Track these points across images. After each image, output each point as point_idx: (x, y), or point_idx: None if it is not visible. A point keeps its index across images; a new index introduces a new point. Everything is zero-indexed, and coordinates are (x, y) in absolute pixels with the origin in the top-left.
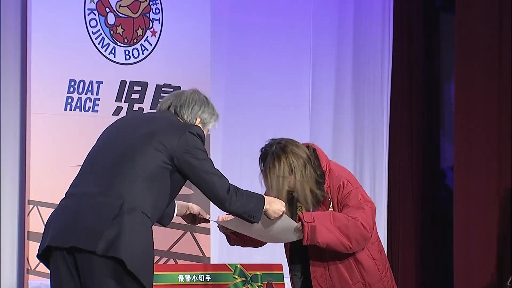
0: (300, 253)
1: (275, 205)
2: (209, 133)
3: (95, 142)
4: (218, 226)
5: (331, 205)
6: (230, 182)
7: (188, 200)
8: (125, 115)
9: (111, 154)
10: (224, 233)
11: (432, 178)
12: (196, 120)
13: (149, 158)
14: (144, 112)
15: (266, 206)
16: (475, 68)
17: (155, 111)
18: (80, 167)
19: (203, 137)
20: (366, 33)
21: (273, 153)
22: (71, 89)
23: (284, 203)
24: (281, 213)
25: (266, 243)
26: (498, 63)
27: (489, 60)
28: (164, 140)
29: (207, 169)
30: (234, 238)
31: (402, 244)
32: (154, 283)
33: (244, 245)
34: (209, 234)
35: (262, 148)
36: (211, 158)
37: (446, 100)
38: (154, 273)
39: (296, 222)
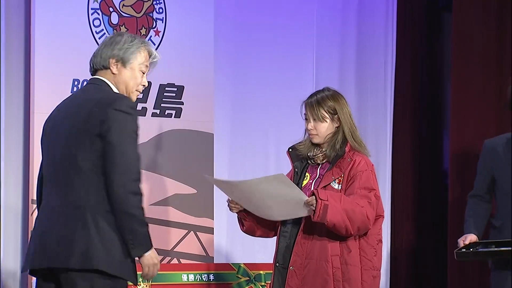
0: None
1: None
2: (212, 133)
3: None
4: (228, 206)
5: (341, 176)
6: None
7: (191, 199)
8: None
9: (57, 159)
10: (236, 212)
11: (435, 177)
12: (109, 62)
13: (88, 151)
14: (146, 112)
15: None
16: (472, 67)
17: (83, 87)
18: (43, 173)
19: (131, 109)
20: (370, 32)
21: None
22: (75, 89)
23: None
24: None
25: (275, 234)
26: (495, 62)
27: (486, 60)
28: (93, 127)
29: (124, 150)
30: (247, 223)
31: (405, 243)
32: (158, 283)
33: (254, 233)
34: (213, 234)
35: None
36: (214, 157)
37: (445, 99)
38: (158, 272)
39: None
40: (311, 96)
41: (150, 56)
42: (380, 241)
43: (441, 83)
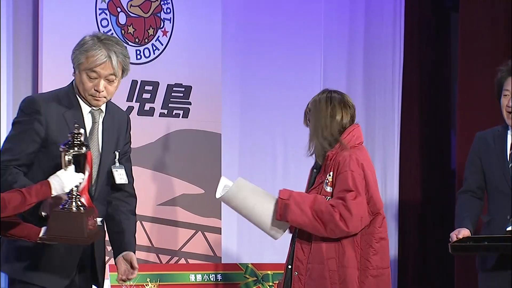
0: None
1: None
2: (219, 133)
3: None
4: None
5: (329, 175)
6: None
7: (198, 199)
8: (135, 114)
9: None
10: None
11: (442, 177)
12: (75, 69)
13: None
14: (154, 112)
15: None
16: (479, 67)
17: None
18: None
19: (20, 109)
20: (377, 33)
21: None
22: None
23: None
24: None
25: None
26: (503, 62)
27: (493, 60)
28: None
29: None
30: None
31: (413, 243)
32: (165, 283)
33: None
34: (220, 234)
35: None
36: (221, 157)
37: (452, 99)
38: (165, 272)
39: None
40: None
41: (95, 58)
42: (382, 239)
43: (448, 83)
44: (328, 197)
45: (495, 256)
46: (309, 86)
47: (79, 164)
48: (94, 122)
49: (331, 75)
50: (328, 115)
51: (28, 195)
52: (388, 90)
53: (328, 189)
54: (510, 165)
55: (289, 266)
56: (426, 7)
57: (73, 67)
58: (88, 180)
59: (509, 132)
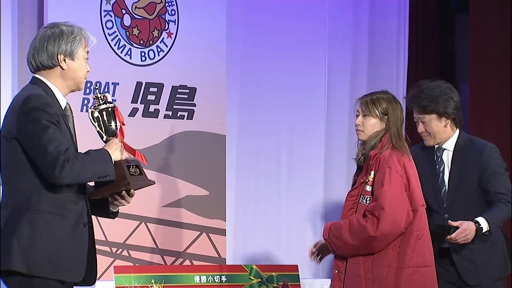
0: None
1: (112, 148)
2: (224, 134)
3: None
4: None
5: (370, 175)
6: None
7: (203, 201)
8: (140, 116)
9: None
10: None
11: None
12: (58, 58)
13: (8, 153)
14: (159, 113)
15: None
16: (489, 68)
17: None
18: None
19: (34, 106)
20: (382, 35)
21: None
22: (87, 91)
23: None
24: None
25: None
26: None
27: (503, 61)
28: (8, 131)
29: (35, 133)
30: None
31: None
32: (170, 284)
33: None
34: (225, 235)
35: None
36: (226, 158)
37: (462, 100)
38: (170, 274)
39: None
40: (367, 94)
41: (87, 41)
42: (420, 237)
43: (454, 83)
44: (368, 197)
45: None
46: (313, 87)
47: (109, 119)
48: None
49: (336, 77)
50: (401, 122)
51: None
52: (393, 91)
53: (368, 188)
54: (444, 188)
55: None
56: (431, 8)
57: (59, 60)
58: (121, 131)
59: (443, 151)
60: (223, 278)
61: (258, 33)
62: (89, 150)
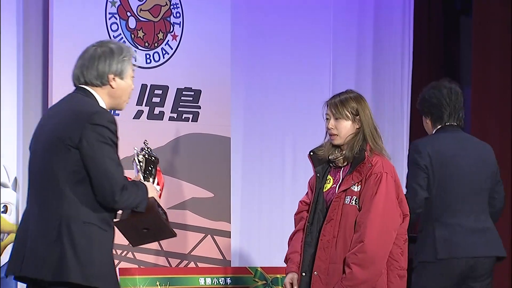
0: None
1: (151, 193)
2: (229, 136)
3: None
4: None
5: (357, 185)
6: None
7: (208, 203)
8: (145, 118)
9: (37, 168)
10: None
11: None
12: (108, 78)
13: (66, 163)
14: (164, 116)
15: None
16: (492, 71)
17: (71, 93)
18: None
19: (107, 122)
20: (386, 35)
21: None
22: None
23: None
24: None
25: None
26: None
27: (506, 63)
28: (69, 138)
29: (103, 166)
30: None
31: None
32: (175, 286)
33: None
34: (230, 238)
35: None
36: (231, 160)
37: (466, 103)
38: (175, 276)
39: None
40: (334, 96)
41: (133, 59)
42: (407, 240)
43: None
44: (355, 197)
45: None
46: (318, 89)
47: (150, 170)
48: None
49: (340, 78)
50: (372, 119)
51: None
52: (397, 94)
53: (356, 188)
54: None
55: (303, 274)
56: (435, 10)
57: (109, 79)
58: (161, 188)
59: None
60: (228, 280)
61: (262, 35)
62: (134, 180)
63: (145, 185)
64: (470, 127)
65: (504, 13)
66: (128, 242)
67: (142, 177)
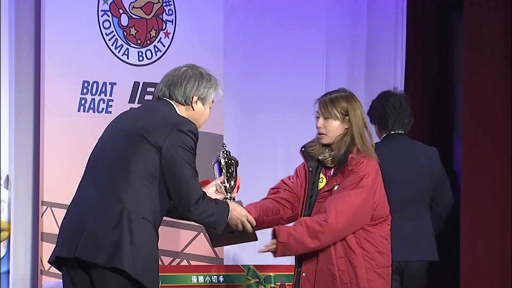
0: None
1: (235, 212)
2: (221, 134)
3: (97, 141)
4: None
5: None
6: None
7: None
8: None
9: (108, 155)
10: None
11: None
12: (192, 99)
13: (142, 157)
14: None
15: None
16: (483, 69)
17: (152, 100)
18: (85, 167)
19: (192, 133)
20: (379, 35)
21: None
22: (85, 91)
23: (244, 211)
24: (240, 221)
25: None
26: (507, 64)
27: (498, 61)
28: (153, 137)
29: (183, 170)
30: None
31: None
32: (168, 284)
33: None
34: None
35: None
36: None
37: (459, 101)
38: (168, 274)
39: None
40: (325, 94)
41: (219, 93)
42: (386, 239)
43: (451, 83)
44: None
45: None
46: (311, 88)
47: (231, 173)
48: None
49: (333, 77)
50: (362, 120)
51: None
52: None
53: (337, 189)
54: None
55: (299, 269)
56: (428, 7)
57: (193, 100)
58: (237, 187)
59: None
60: (221, 278)
61: (255, 33)
62: (217, 199)
63: (228, 205)
64: (460, 125)
65: (495, 9)
66: (209, 241)
67: (225, 180)
